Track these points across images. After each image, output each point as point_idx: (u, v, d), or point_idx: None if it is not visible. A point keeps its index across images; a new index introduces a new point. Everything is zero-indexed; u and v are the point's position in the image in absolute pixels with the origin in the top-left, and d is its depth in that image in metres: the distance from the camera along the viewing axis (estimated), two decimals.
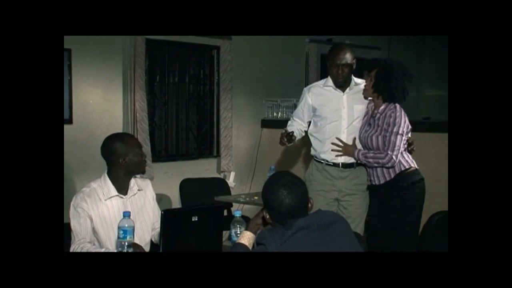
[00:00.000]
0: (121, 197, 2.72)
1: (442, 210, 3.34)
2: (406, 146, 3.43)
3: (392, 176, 3.39)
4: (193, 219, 2.46)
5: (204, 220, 2.50)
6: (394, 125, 3.33)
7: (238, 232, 2.55)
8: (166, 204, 5.23)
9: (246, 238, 2.30)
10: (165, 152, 5.62)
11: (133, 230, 2.44)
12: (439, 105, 7.01)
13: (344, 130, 3.58)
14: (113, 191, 2.70)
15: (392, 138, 3.32)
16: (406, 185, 3.37)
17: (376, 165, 3.41)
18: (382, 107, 3.42)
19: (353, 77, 3.62)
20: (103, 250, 2.57)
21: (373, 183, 3.49)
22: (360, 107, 3.58)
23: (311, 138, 3.73)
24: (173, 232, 2.40)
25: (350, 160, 3.57)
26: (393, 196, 3.39)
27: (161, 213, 2.41)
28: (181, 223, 2.45)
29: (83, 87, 4.83)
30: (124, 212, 2.47)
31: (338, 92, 3.61)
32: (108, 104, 5.02)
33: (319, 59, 6.63)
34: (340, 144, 3.56)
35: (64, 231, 2.49)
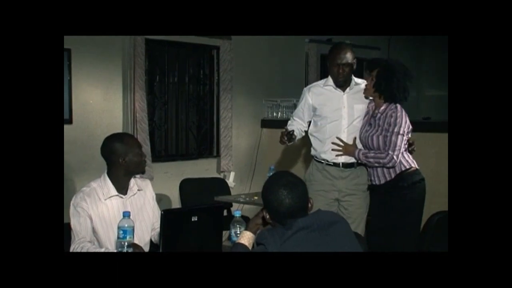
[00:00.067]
0: (121, 197, 2.72)
1: (442, 210, 3.34)
2: (406, 146, 3.43)
3: (393, 176, 3.39)
4: (193, 219, 2.46)
5: (204, 220, 2.50)
6: (395, 125, 3.33)
7: (238, 232, 2.55)
8: (166, 204, 5.23)
9: (246, 238, 2.30)
10: (165, 152, 5.62)
11: (133, 230, 2.44)
12: (439, 105, 7.01)
13: (344, 129, 3.58)
14: (113, 190, 2.70)
15: (393, 138, 3.32)
16: (407, 185, 3.37)
17: (376, 165, 3.41)
18: (383, 107, 3.41)
19: (353, 77, 3.62)
20: (103, 250, 2.57)
21: (374, 183, 3.49)
22: (361, 106, 3.58)
23: (311, 138, 3.73)
24: (173, 232, 2.40)
25: (351, 160, 3.56)
26: (394, 196, 3.39)
27: (161, 213, 2.41)
28: (181, 223, 2.45)
29: (83, 87, 4.83)
30: (124, 212, 2.47)
31: (339, 91, 3.61)
32: (108, 104, 5.02)
33: (319, 59, 6.63)
34: (341, 143, 3.55)
35: (64, 231, 2.49)
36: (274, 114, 6.15)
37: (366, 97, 3.55)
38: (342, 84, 3.59)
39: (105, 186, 2.70)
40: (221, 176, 5.84)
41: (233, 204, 4.92)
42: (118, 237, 2.41)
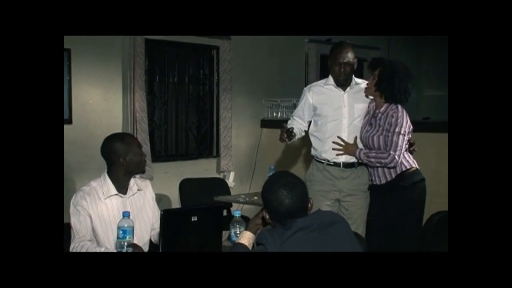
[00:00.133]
0: (121, 196, 2.73)
1: (442, 210, 3.34)
2: (407, 146, 3.43)
3: (393, 176, 3.39)
4: (192, 219, 2.46)
5: (203, 220, 2.50)
6: (396, 125, 3.33)
7: (238, 232, 2.55)
8: (165, 204, 5.23)
9: (246, 238, 2.30)
10: (164, 152, 5.62)
11: (133, 230, 2.44)
12: (438, 105, 7.01)
13: (345, 129, 3.57)
14: (112, 190, 2.70)
15: (395, 138, 3.32)
16: (408, 185, 3.37)
17: (378, 165, 3.40)
18: (384, 107, 3.41)
19: (353, 76, 3.62)
20: (102, 249, 2.57)
21: (374, 183, 3.49)
22: (361, 106, 3.57)
23: (312, 138, 3.72)
24: (172, 232, 2.40)
25: (351, 159, 3.56)
26: (394, 196, 3.39)
27: (161, 213, 2.41)
28: (180, 223, 2.45)
29: (82, 87, 4.83)
30: (123, 212, 2.47)
31: (339, 90, 3.61)
32: (108, 104, 5.02)
33: (319, 59, 6.63)
34: (341, 143, 3.55)
35: (64, 231, 2.49)
36: (274, 114, 6.16)
37: (367, 96, 3.55)
38: (343, 83, 3.58)
39: (105, 185, 2.71)
40: (221, 176, 5.83)
41: (233, 204, 4.91)
42: (118, 237, 2.42)
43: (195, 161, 5.76)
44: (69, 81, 4.71)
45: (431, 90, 7.93)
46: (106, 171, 2.75)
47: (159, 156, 5.50)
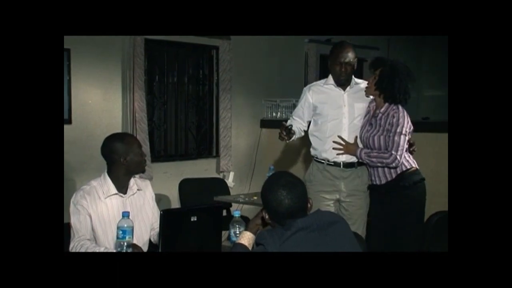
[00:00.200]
0: (121, 196, 2.73)
1: (442, 210, 3.34)
2: (407, 146, 3.43)
3: (394, 176, 3.39)
4: (192, 219, 2.46)
5: (203, 220, 2.50)
6: (397, 125, 3.33)
7: (237, 232, 2.55)
8: (165, 204, 5.22)
9: (246, 238, 2.30)
10: (164, 152, 5.61)
11: (132, 230, 2.44)
12: (438, 105, 7.02)
13: (345, 128, 3.57)
14: (113, 189, 2.70)
15: (396, 138, 3.32)
16: (408, 185, 3.37)
17: (379, 164, 3.40)
18: (384, 107, 3.41)
19: (353, 76, 3.62)
20: (102, 248, 2.57)
21: (374, 183, 3.49)
22: (361, 105, 3.57)
23: (311, 138, 3.71)
24: (172, 232, 2.40)
25: (352, 159, 3.55)
26: (394, 196, 3.39)
27: (161, 213, 2.41)
28: (180, 223, 2.45)
29: (82, 87, 4.83)
30: (123, 212, 2.47)
31: (339, 90, 3.61)
32: (107, 104, 5.02)
33: (318, 59, 6.63)
34: (342, 142, 3.55)
35: (64, 231, 2.49)
36: (274, 114, 6.15)
37: (367, 96, 3.54)
38: (344, 82, 3.58)
39: (105, 184, 2.71)
40: (221, 176, 5.83)
41: (233, 204, 4.91)
42: (118, 237, 2.41)
43: (195, 161, 5.76)
44: (69, 81, 4.71)
45: (431, 90, 7.93)
46: (106, 170, 2.75)
47: (158, 156, 5.50)
